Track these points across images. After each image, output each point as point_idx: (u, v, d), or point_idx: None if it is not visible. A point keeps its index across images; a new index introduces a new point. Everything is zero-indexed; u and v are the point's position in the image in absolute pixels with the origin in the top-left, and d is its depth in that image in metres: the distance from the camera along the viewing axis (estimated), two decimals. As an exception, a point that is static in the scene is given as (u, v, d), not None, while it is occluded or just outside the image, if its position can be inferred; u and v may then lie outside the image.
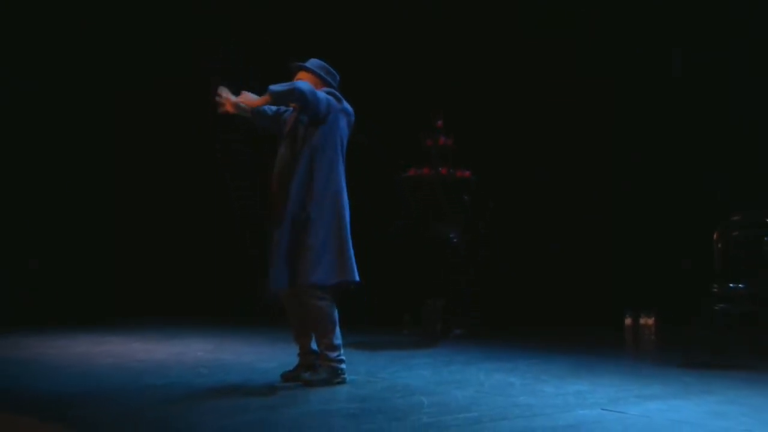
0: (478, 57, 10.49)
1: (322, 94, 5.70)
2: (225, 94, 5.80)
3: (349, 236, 5.68)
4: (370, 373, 6.14)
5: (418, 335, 8.46)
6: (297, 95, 5.57)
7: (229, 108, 5.83)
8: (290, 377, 5.69)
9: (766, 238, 6.87)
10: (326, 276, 5.54)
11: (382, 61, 9.73)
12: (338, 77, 6.00)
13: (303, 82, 5.74)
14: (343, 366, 5.67)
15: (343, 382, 5.62)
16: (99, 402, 5.03)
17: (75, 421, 4.41)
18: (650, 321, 9.14)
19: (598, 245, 10.20)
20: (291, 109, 5.90)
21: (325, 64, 5.98)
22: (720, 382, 5.81)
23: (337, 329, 5.64)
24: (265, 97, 5.63)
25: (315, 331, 5.66)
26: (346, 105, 5.83)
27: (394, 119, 9.38)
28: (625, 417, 4.66)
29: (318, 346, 5.68)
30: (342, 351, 5.68)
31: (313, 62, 5.97)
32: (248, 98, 5.71)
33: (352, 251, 5.66)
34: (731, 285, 6.82)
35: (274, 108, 5.94)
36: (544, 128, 10.62)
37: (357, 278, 5.65)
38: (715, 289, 6.86)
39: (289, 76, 5.97)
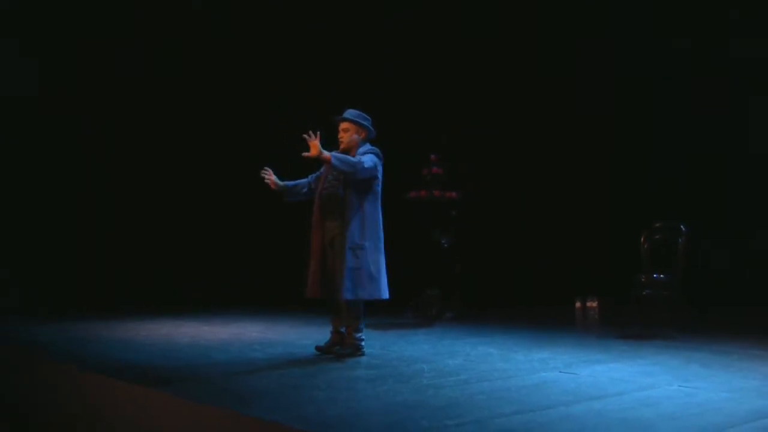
0: (457, 110, 10.56)
1: (370, 161, 5.44)
2: (269, 174, 5.65)
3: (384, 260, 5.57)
4: (384, 346, 6.12)
5: (418, 317, 8.42)
6: (360, 173, 5.37)
7: (271, 185, 5.68)
8: (324, 350, 5.66)
9: (679, 240, 6.87)
10: (376, 293, 5.46)
11: (391, 109, 9.69)
12: (370, 119, 5.73)
13: (364, 159, 5.41)
14: (364, 342, 5.64)
15: (363, 354, 5.58)
16: (178, 371, 4.99)
17: (161, 386, 4.37)
18: (594, 304, 9.23)
19: (556, 249, 10.29)
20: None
21: (360, 112, 5.69)
22: (647, 349, 5.84)
23: (362, 317, 5.63)
24: (328, 157, 5.25)
25: (348, 319, 5.61)
26: (381, 156, 5.59)
27: (400, 154, 9.41)
28: (577, 377, 4.65)
29: (346, 328, 5.64)
30: (363, 332, 5.65)
31: (350, 113, 5.66)
32: (315, 144, 5.24)
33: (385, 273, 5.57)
34: (654, 275, 6.82)
35: (309, 182, 5.78)
36: (511, 159, 10.69)
37: (388, 296, 5.55)
38: (643, 279, 6.87)
39: (332, 127, 5.69)
